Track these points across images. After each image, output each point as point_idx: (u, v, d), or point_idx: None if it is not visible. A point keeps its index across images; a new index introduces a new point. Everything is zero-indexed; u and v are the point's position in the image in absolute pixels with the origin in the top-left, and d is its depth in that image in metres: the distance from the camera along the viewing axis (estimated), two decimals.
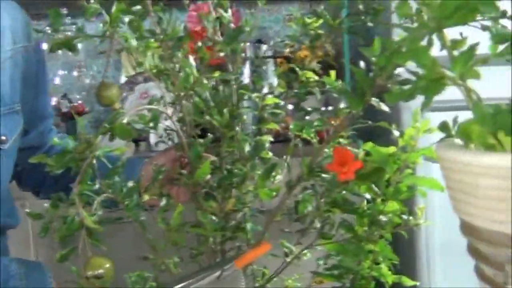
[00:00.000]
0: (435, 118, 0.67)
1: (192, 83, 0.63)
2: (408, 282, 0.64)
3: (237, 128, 0.77)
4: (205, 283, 0.46)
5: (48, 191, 0.92)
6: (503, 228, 0.35)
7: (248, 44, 2.01)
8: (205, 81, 0.63)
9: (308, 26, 0.81)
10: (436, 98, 0.41)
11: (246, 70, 1.95)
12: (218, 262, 0.62)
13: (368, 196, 0.58)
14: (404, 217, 0.61)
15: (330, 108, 1.70)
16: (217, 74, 0.64)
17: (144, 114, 0.84)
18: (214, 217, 0.70)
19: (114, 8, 0.64)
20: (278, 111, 0.78)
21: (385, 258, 0.63)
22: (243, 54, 0.86)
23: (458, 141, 0.44)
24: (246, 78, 1.93)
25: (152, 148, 1.91)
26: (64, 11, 2.12)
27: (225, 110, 0.77)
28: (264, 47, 1.94)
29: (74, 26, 2.01)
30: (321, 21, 0.78)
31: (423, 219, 0.61)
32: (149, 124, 0.84)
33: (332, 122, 1.88)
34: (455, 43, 0.41)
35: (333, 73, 0.68)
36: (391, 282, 0.66)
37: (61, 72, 2.13)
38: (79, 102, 2.05)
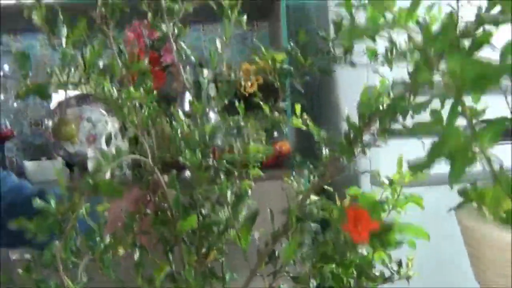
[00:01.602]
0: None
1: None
2: None
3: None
4: None
5: None
6: None
7: (188, 68, 1.96)
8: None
9: (275, 62, 0.80)
10: None
11: (188, 95, 1.91)
12: None
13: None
14: (394, 268, 0.60)
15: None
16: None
17: (104, 151, 0.79)
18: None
19: (87, 53, 0.60)
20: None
21: None
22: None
23: (475, 205, 0.44)
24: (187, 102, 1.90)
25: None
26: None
27: (197, 150, 0.74)
28: (205, 71, 1.90)
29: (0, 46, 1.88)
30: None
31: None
32: (113, 163, 0.79)
33: (277, 147, 1.87)
34: (475, 112, 0.41)
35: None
36: None
37: None
38: (8, 126, 1.92)
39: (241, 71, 2.11)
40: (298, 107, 0.80)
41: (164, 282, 0.66)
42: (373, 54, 0.72)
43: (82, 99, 1.96)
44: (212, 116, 0.81)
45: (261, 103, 0.86)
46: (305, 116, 0.79)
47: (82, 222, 0.60)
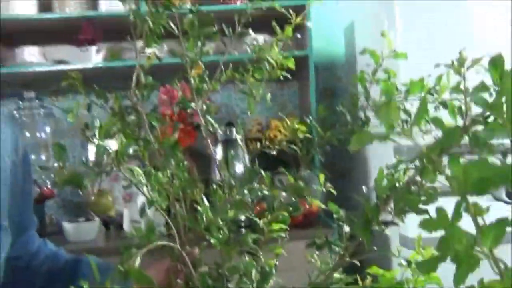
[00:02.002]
0: None
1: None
2: None
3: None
4: None
5: None
6: None
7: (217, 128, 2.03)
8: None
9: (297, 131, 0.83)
10: None
11: (218, 152, 1.97)
12: None
13: None
14: None
15: None
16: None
17: (137, 226, 0.82)
18: None
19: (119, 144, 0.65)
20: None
21: None
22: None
23: None
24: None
25: (124, 234, 1.87)
26: (32, 94, 2.11)
27: (224, 227, 0.77)
28: (234, 130, 1.97)
29: (42, 109, 1.97)
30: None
31: None
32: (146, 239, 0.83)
33: (307, 206, 1.89)
34: (480, 210, 0.43)
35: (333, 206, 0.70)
36: None
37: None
38: (48, 186, 2.01)
39: (270, 129, 2.16)
40: (322, 177, 0.83)
41: None
42: (390, 127, 0.75)
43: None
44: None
45: (286, 172, 0.89)
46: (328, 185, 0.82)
47: None
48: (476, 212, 0.44)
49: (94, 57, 2.08)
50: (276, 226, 0.73)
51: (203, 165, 1.79)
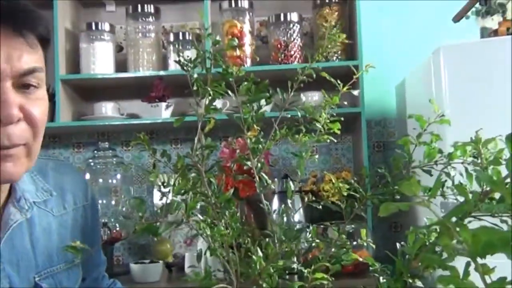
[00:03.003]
0: None
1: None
2: None
3: None
4: None
5: None
6: None
7: (275, 179, 2.18)
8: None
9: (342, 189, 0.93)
10: None
11: (275, 203, 2.09)
12: None
13: None
14: None
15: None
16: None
17: (196, 271, 0.93)
18: None
19: (189, 199, 0.79)
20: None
21: None
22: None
23: None
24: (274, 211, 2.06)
25: (185, 276, 2.00)
26: (106, 144, 2.30)
27: (274, 274, 0.88)
28: (290, 183, 2.09)
29: (114, 158, 2.15)
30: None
31: None
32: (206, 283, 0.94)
33: (359, 254, 1.96)
34: (487, 270, 0.52)
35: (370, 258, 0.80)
36: None
37: (100, 201, 2.28)
38: (117, 229, 2.18)
39: (324, 182, 2.26)
40: (363, 232, 0.93)
41: None
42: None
43: None
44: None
45: (332, 226, 0.98)
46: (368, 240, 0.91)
47: None
48: (485, 271, 0.53)
49: (163, 112, 2.27)
50: (319, 275, 0.84)
51: (262, 214, 1.91)
